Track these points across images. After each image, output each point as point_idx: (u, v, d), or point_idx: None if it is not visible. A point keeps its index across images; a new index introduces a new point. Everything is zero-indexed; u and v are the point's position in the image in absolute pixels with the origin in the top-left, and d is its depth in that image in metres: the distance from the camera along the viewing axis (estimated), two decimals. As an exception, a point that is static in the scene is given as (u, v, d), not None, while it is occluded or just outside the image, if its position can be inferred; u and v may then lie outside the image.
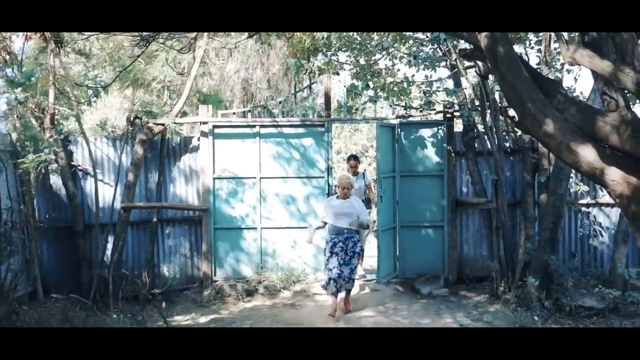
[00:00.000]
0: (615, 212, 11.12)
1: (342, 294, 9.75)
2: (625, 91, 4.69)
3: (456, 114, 11.54)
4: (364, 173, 12.31)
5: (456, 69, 10.99)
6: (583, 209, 11.42)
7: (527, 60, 8.82)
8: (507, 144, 11.43)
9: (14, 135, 10.47)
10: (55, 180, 10.97)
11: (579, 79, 11.82)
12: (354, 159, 12.07)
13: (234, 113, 12.72)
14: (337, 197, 9.66)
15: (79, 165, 11.24)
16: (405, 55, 11.10)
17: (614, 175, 4.54)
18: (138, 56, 11.19)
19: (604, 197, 11.11)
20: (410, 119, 11.81)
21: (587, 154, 4.63)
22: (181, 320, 9.86)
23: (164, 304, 10.17)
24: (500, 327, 8.84)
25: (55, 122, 10.80)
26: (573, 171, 10.05)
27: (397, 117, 11.77)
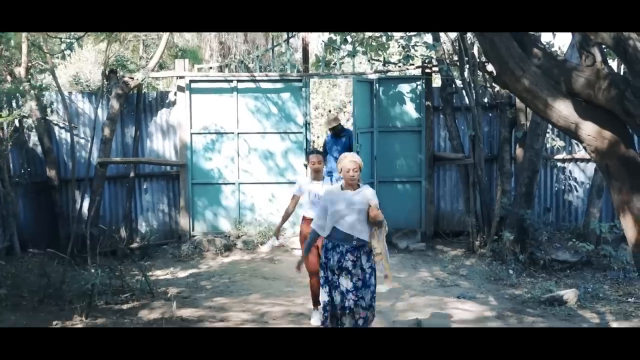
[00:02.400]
0: (590, 167, 11.23)
1: None
2: (603, 46, 4.70)
3: (435, 69, 11.52)
4: (330, 175, 8.27)
5: (435, 24, 10.91)
6: (559, 164, 11.53)
7: (505, 15, 8.82)
8: (485, 100, 11.46)
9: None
10: (30, 135, 10.84)
11: (557, 34, 11.74)
12: (316, 154, 7.54)
13: (210, 67, 12.60)
14: (340, 186, 6.13)
15: (54, 120, 11.10)
16: (384, 9, 10.99)
17: (590, 129, 4.58)
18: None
19: (580, 152, 11.22)
20: (389, 74, 11.77)
21: (563, 108, 4.66)
22: (160, 274, 9.90)
23: (145, 260, 10.19)
24: (500, 327, 8.93)
25: (30, 76, 10.63)
26: (550, 126, 10.12)
27: (376, 72, 11.73)
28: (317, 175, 7.34)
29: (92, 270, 8.59)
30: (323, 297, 6.14)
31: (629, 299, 8.57)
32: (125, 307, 8.10)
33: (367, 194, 6.03)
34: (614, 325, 7.51)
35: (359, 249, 5.96)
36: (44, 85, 11.16)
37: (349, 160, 6.09)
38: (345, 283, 5.93)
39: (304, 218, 7.29)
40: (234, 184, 11.59)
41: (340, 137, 11.01)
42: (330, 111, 17.35)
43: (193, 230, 11.52)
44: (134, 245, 11.22)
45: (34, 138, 10.88)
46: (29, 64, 10.63)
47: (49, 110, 11.03)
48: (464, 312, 7.87)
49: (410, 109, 11.60)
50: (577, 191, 11.56)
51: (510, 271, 9.54)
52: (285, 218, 7.56)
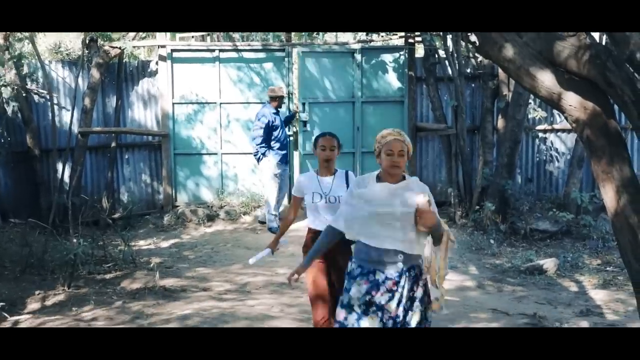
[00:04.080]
0: (571, 138, 11.31)
1: None
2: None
3: (418, 39, 11.48)
4: (346, 172, 5.39)
5: (418, -7, 10.87)
6: (540, 134, 11.59)
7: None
8: (468, 70, 11.45)
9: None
10: (10, 104, 10.71)
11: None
12: (329, 136, 5.28)
13: (192, 37, 12.47)
14: (377, 177, 4.10)
15: (34, 89, 10.98)
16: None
17: (572, 100, 4.59)
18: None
19: (561, 122, 11.27)
20: (372, 44, 11.72)
21: (546, 78, 4.66)
22: (143, 244, 9.90)
23: (127, 230, 10.17)
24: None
25: (8, 44, 10.48)
26: (532, 97, 10.16)
27: (359, 41, 11.67)
28: (328, 166, 5.26)
29: (75, 240, 8.58)
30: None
31: (608, 268, 8.71)
32: (107, 276, 8.12)
33: (416, 187, 4.04)
34: (592, 293, 7.64)
35: (405, 274, 4.03)
36: (23, 54, 11.01)
37: (394, 139, 3.99)
38: (370, 325, 3.95)
39: (309, 230, 5.37)
40: (216, 154, 11.55)
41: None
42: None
43: (176, 200, 11.50)
44: (116, 215, 11.19)
45: (13, 107, 10.75)
46: (7, 32, 10.46)
47: (28, 79, 10.90)
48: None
49: (393, 79, 11.57)
50: (558, 161, 11.64)
51: (492, 241, 9.64)
52: (286, 227, 5.66)
